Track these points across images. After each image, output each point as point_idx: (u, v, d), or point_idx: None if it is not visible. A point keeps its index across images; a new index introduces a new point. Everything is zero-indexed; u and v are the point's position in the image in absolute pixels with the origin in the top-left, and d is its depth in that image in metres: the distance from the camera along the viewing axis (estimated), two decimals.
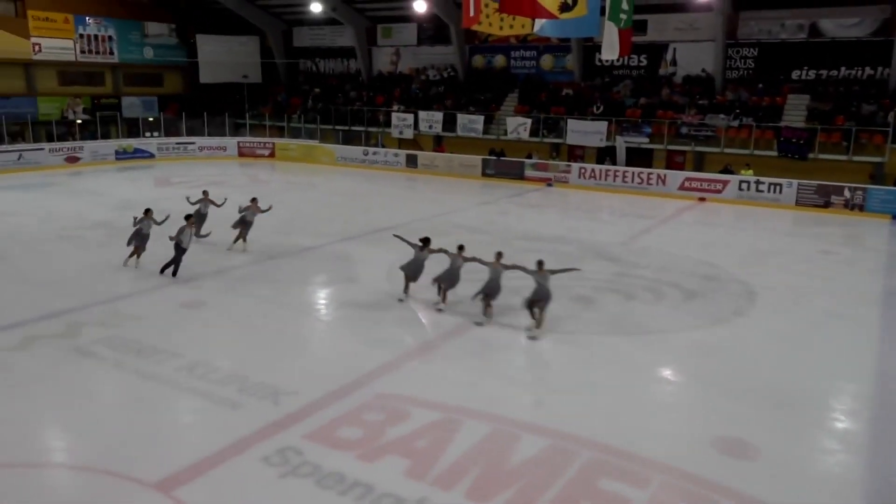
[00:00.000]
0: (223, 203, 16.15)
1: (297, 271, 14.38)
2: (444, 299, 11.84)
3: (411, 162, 30.51)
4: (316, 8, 32.41)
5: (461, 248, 11.78)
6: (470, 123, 30.19)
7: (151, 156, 32.13)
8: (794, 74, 27.13)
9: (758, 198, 23.70)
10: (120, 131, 33.55)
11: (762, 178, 23.85)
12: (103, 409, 8.35)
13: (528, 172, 27.83)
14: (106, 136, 32.69)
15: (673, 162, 27.34)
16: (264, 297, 12.42)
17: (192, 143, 33.33)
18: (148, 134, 33.73)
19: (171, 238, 13.21)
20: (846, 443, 7.82)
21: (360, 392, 8.58)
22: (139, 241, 13.75)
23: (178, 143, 33.10)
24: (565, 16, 12.28)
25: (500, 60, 33.54)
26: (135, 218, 13.89)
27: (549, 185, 27.08)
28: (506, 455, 7.23)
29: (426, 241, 12.08)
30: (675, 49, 29.29)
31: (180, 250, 13.17)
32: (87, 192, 23.56)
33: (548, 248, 16.64)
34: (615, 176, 26.21)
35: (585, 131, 27.77)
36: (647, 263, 15.31)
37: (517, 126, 29.06)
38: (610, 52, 14.10)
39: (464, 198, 23.99)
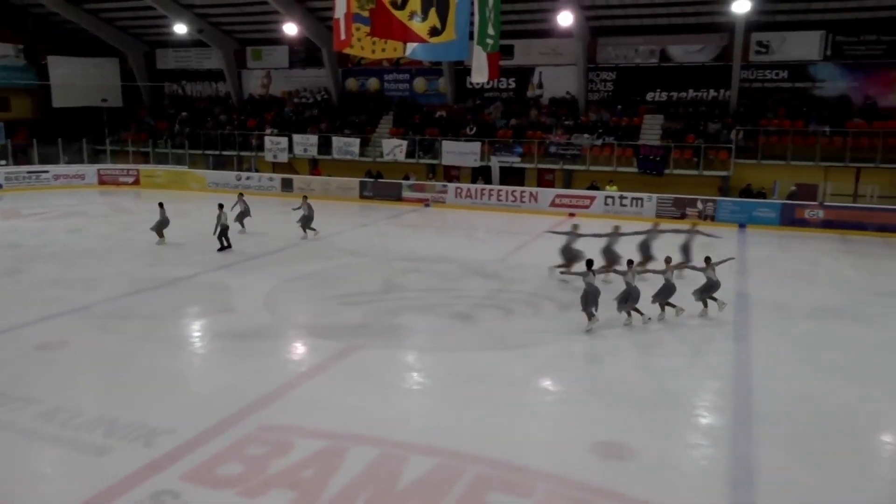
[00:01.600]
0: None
1: (168, 303, 13.66)
2: (630, 315, 12.26)
3: (287, 186, 29.95)
4: (180, 29, 31.27)
5: (630, 263, 12.49)
6: (346, 146, 30.09)
7: None
8: (649, 96, 29.15)
9: (622, 211, 25.16)
10: None
11: (625, 193, 25.38)
12: None
13: (406, 193, 28.08)
14: None
15: (543, 180, 28.52)
16: (133, 333, 11.70)
17: (46, 171, 30.96)
18: None
19: (214, 233, 17.87)
20: (711, 437, 8.39)
21: (240, 426, 8.24)
22: (158, 227, 18.64)
23: (29, 172, 30.63)
24: (435, 40, 12.54)
25: (373, 83, 33.73)
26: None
27: (427, 205, 27.42)
28: (394, 478, 7.18)
29: (589, 263, 12.20)
30: (540, 72, 30.67)
31: (221, 230, 17.89)
32: None
33: (428, 267, 16.83)
34: (490, 195, 26.96)
35: (460, 152, 28.44)
36: (524, 278, 15.81)
37: (393, 148, 29.28)
38: (479, 75, 14.55)
39: (342, 220, 23.79)
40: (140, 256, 17.14)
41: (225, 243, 18.00)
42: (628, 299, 12.12)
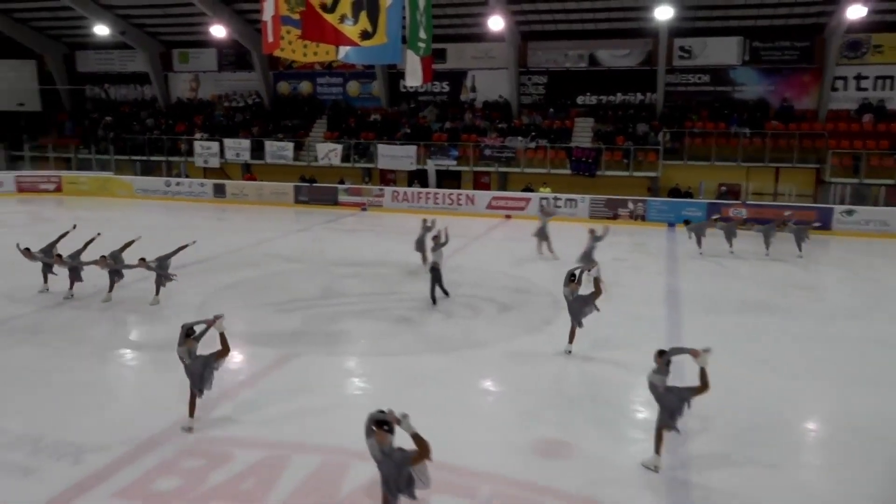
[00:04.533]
0: None
1: (97, 315, 13.12)
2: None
3: (219, 192, 29.28)
4: (101, 31, 30.17)
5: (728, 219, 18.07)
6: (279, 150, 29.63)
7: None
8: (580, 100, 29.80)
9: (556, 213, 25.57)
10: None
11: (559, 195, 25.84)
12: None
13: (342, 198, 27.86)
14: None
15: (479, 182, 28.78)
16: (58, 347, 11.19)
17: None
18: None
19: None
20: (648, 431, 8.60)
21: (175, 439, 8.01)
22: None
23: None
24: (366, 43, 12.45)
25: (306, 87, 33.34)
26: None
27: (364, 209, 27.25)
28: (336, 486, 7.10)
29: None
30: (474, 76, 30.96)
31: (435, 272, 13.79)
32: None
33: (367, 272, 16.75)
34: (427, 198, 27.01)
35: (395, 155, 28.39)
36: (463, 281, 15.90)
37: (328, 152, 29.00)
38: (413, 78, 14.52)
39: (277, 226, 23.41)
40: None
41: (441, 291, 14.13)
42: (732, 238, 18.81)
